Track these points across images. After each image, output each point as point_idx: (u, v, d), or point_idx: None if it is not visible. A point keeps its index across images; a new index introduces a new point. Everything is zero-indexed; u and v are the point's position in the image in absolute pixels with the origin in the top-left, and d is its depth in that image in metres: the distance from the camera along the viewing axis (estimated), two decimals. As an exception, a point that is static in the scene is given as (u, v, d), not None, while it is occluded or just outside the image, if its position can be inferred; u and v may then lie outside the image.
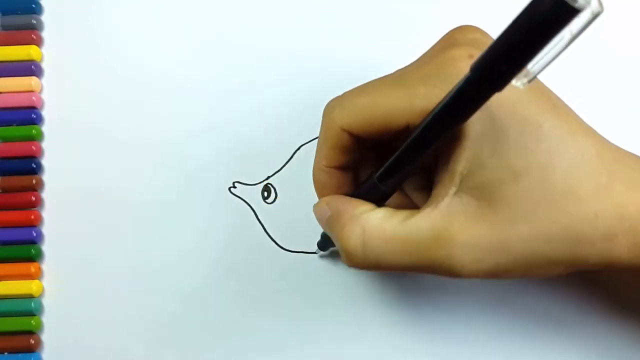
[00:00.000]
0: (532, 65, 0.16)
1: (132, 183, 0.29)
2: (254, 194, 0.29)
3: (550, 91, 0.22)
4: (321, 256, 0.29)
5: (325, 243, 0.28)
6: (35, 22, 0.30)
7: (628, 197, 0.20)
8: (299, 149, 0.29)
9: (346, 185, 0.24)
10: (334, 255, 0.29)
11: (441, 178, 0.21)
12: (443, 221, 0.20)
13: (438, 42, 0.22)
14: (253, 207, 0.29)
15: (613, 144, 0.22)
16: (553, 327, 0.28)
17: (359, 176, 0.25)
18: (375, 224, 0.21)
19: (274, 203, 0.29)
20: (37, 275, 0.29)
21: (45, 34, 0.31)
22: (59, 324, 0.29)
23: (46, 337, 0.29)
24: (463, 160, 0.20)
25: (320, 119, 0.29)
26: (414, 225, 0.21)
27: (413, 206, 0.25)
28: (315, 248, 0.29)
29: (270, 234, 0.29)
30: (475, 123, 0.20)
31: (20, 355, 0.28)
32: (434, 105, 0.19)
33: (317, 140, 0.29)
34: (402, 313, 0.28)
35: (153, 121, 0.30)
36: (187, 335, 0.29)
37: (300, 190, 0.29)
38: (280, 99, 0.30)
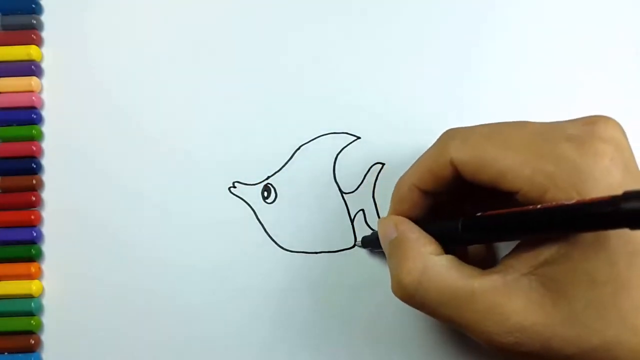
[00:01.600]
0: None
1: (132, 183, 0.29)
2: (254, 194, 0.29)
3: None
4: (358, 246, 0.29)
5: (370, 243, 0.28)
6: (35, 22, 0.30)
7: None
8: (299, 149, 0.29)
9: (422, 208, 0.24)
10: (335, 255, 0.29)
11: (525, 251, 0.21)
12: (503, 296, 0.20)
13: (579, 120, 0.21)
14: (253, 207, 0.29)
15: None
16: None
17: (439, 204, 0.24)
18: (438, 270, 0.21)
19: (274, 203, 0.29)
20: (37, 275, 0.29)
21: (45, 34, 0.31)
22: (59, 324, 0.29)
23: (46, 337, 0.29)
24: (553, 250, 0.20)
25: (320, 119, 0.29)
26: (474, 286, 0.21)
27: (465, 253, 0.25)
28: (315, 248, 0.29)
29: (270, 234, 0.29)
30: None
31: (20, 355, 0.28)
32: (555, 190, 0.19)
33: (318, 139, 0.29)
34: (402, 313, 0.28)
35: (153, 121, 0.30)
36: (186, 335, 0.29)
37: (300, 190, 0.29)
38: (280, 99, 0.30)
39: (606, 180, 0.19)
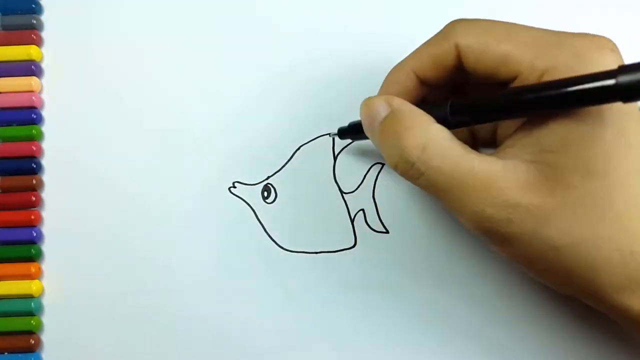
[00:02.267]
0: None
1: (132, 183, 0.29)
2: (254, 194, 0.29)
3: None
4: (331, 136, 0.28)
5: (350, 132, 0.27)
6: (35, 22, 0.30)
7: None
8: (299, 149, 0.29)
9: (414, 99, 0.23)
10: (335, 255, 0.29)
11: (522, 138, 0.21)
12: (502, 176, 0.20)
13: (583, 32, 0.21)
14: (253, 207, 0.29)
15: None
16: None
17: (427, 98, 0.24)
18: (442, 138, 0.21)
19: (274, 203, 0.29)
20: (37, 275, 0.29)
21: (45, 34, 0.31)
22: (59, 324, 0.29)
23: (46, 337, 0.29)
24: (552, 136, 0.20)
25: (320, 119, 0.29)
26: (475, 162, 0.20)
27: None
28: (315, 248, 0.29)
29: (270, 234, 0.29)
30: (582, 109, 0.19)
31: (20, 355, 0.28)
32: (555, 74, 0.19)
33: (317, 140, 0.29)
34: (402, 313, 0.28)
35: (153, 121, 0.30)
36: (186, 335, 0.29)
37: (300, 190, 0.29)
38: (280, 99, 0.30)
39: (608, 68, 0.18)
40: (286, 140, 0.29)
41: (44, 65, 0.30)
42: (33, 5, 0.30)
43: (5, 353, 0.29)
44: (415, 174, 0.21)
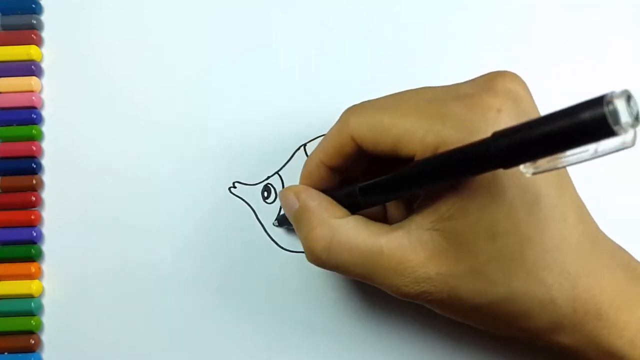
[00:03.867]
0: (547, 162, 0.16)
1: (132, 183, 0.29)
2: (254, 194, 0.29)
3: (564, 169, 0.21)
4: (275, 225, 0.29)
5: (284, 221, 0.28)
6: (35, 22, 0.30)
7: (588, 292, 0.20)
8: (299, 149, 0.29)
9: (330, 184, 0.24)
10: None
11: (422, 208, 0.21)
12: (408, 251, 0.21)
13: (477, 79, 0.22)
14: (253, 207, 0.29)
15: (599, 232, 0.22)
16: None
17: (347, 179, 0.25)
18: (346, 233, 0.22)
19: (274, 203, 0.29)
20: (37, 275, 0.29)
21: (45, 34, 0.31)
22: (59, 324, 0.29)
23: (46, 337, 0.29)
24: (450, 204, 0.20)
25: (320, 119, 0.29)
26: (382, 244, 0.22)
27: (381, 214, 0.25)
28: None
29: (270, 234, 0.29)
30: (478, 176, 0.20)
31: (20, 355, 0.28)
32: (445, 148, 0.19)
33: (317, 140, 0.29)
34: (403, 313, 0.28)
35: (153, 121, 0.30)
36: (186, 335, 0.29)
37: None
38: (280, 99, 0.30)
39: (493, 130, 0.18)
40: (286, 140, 0.29)
41: (44, 65, 0.30)
42: (33, 5, 0.30)
43: (5, 353, 0.29)
44: (330, 269, 0.23)
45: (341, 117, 0.23)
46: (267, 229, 0.29)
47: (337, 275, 0.28)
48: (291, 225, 0.27)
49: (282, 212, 0.28)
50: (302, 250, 0.29)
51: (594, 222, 0.22)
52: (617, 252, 0.22)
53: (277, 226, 0.29)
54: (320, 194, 0.24)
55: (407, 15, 0.30)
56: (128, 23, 0.30)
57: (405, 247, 0.21)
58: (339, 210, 0.23)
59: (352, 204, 0.23)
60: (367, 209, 0.23)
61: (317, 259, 0.23)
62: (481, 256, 0.20)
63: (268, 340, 0.29)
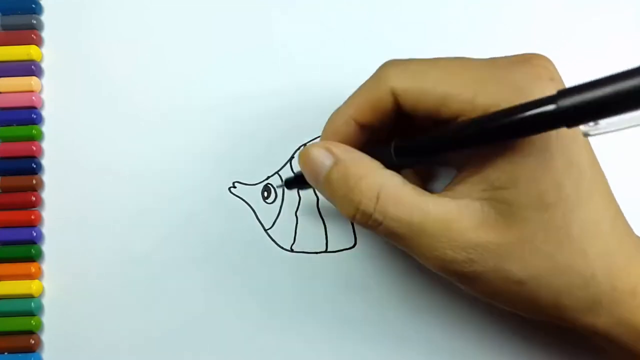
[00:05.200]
0: (607, 123, 0.16)
1: (132, 183, 0.29)
2: (254, 194, 0.29)
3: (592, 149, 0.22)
4: (278, 187, 0.28)
5: (297, 182, 0.26)
6: (35, 22, 0.30)
7: (624, 270, 0.20)
8: (299, 148, 0.29)
9: (357, 145, 0.23)
10: (335, 255, 0.29)
11: (471, 176, 0.21)
12: (457, 216, 0.20)
13: (512, 57, 0.21)
14: (253, 207, 0.29)
15: (626, 219, 0.22)
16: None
17: (373, 141, 0.23)
18: (394, 184, 0.21)
19: (274, 203, 0.29)
20: (37, 275, 0.29)
21: (45, 34, 0.31)
22: (59, 324, 0.29)
23: (46, 337, 0.29)
24: (500, 172, 0.20)
25: (320, 119, 0.29)
26: (430, 205, 0.21)
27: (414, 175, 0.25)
28: (315, 248, 0.29)
29: (270, 234, 0.29)
30: (527, 142, 0.19)
31: (20, 355, 0.28)
32: (497, 108, 0.19)
33: (317, 140, 0.29)
34: (402, 313, 0.28)
35: (153, 121, 0.30)
36: (186, 335, 0.29)
37: (300, 190, 0.29)
38: (280, 99, 0.30)
39: None
40: (286, 140, 0.29)
41: (44, 65, 0.30)
42: (33, 5, 0.30)
43: (5, 353, 0.29)
44: (373, 224, 0.21)
45: (379, 69, 0.22)
46: (267, 229, 0.29)
47: (337, 275, 0.28)
48: (305, 187, 0.26)
49: (298, 172, 0.25)
50: (302, 250, 0.29)
51: (621, 209, 0.22)
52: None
53: (284, 187, 0.27)
54: (354, 149, 0.22)
55: (407, 15, 0.30)
56: (128, 23, 0.30)
57: (454, 212, 0.20)
58: (380, 164, 0.22)
59: (386, 166, 0.22)
60: (402, 169, 0.22)
61: (365, 210, 0.21)
62: (530, 227, 0.20)
63: (268, 340, 0.28)
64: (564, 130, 0.17)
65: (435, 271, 0.22)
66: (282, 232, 0.29)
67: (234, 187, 0.29)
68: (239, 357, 0.28)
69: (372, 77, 0.22)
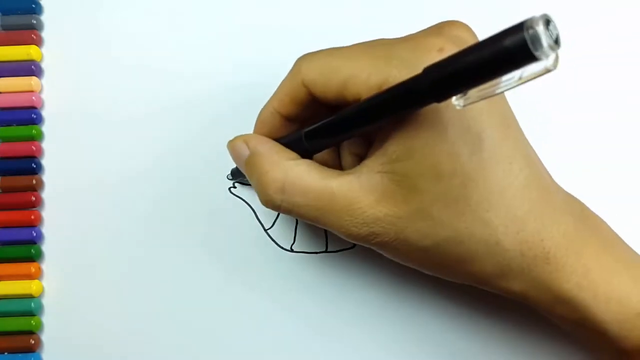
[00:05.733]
0: (477, 92, 0.17)
1: (132, 183, 0.29)
2: (254, 194, 0.29)
3: (510, 111, 0.22)
4: (229, 179, 0.29)
5: (237, 174, 0.29)
6: (35, 22, 0.30)
7: (536, 236, 0.21)
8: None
9: (284, 134, 0.24)
10: (335, 255, 0.29)
11: (374, 151, 0.22)
12: (358, 193, 0.21)
13: (428, 28, 0.22)
14: (253, 207, 0.29)
15: (550, 180, 0.22)
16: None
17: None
18: (299, 175, 0.22)
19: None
20: (37, 275, 0.29)
21: (45, 34, 0.31)
22: (59, 324, 0.29)
23: (46, 337, 0.29)
24: (396, 145, 0.21)
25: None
26: (333, 187, 0.22)
27: (336, 163, 0.26)
28: (315, 248, 0.29)
29: (270, 234, 0.29)
30: (420, 114, 0.20)
31: (20, 355, 0.28)
32: (387, 86, 0.19)
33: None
34: (402, 313, 0.28)
35: (154, 121, 0.30)
36: (186, 335, 0.29)
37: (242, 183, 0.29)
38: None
39: None
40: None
41: (44, 65, 0.30)
42: (33, 5, 0.30)
43: (5, 353, 0.29)
44: (285, 212, 0.23)
45: (294, 64, 0.23)
46: (267, 229, 0.29)
47: (337, 275, 0.28)
48: (243, 177, 0.27)
49: (233, 170, 0.29)
50: (302, 250, 0.29)
51: (544, 169, 0.22)
52: (569, 200, 0.23)
53: (230, 179, 0.29)
54: (270, 140, 0.24)
55: (406, 14, 0.30)
56: (128, 23, 0.30)
57: (356, 189, 0.21)
58: (290, 153, 0.23)
59: (301, 151, 0.23)
60: (317, 154, 0.24)
61: (272, 202, 0.23)
62: (427, 197, 0.20)
63: (267, 339, 0.28)
64: (453, 106, 0.18)
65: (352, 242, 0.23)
66: (282, 232, 0.29)
67: (234, 187, 0.29)
68: (238, 357, 0.28)
69: (289, 72, 0.24)
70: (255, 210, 0.29)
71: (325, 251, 0.29)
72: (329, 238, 0.29)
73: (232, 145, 0.25)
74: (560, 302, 0.21)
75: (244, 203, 0.29)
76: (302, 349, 0.28)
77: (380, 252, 0.23)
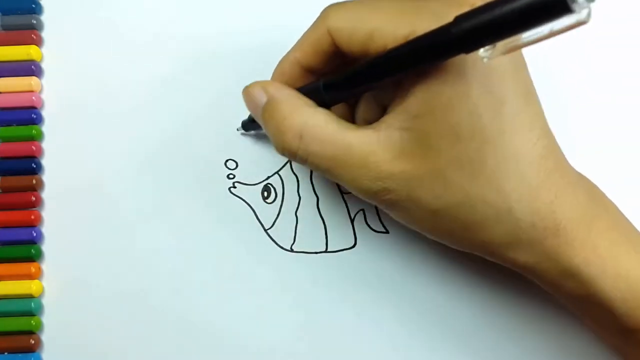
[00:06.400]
0: (505, 44, 0.16)
1: (133, 183, 0.29)
2: (254, 194, 0.29)
3: (532, 82, 0.21)
4: (242, 134, 0.29)
5: (249, 125, 0.28)
6: (35, 22, 0.30)
7: (548, 207, 0.20)
8: (299, 149, 0.29)
9: (302, 85, 0.24)
10: (335, 255, 0.29)
11: (395, 107, 0.21)
12: (376, 147, 0.21)
13: None
14: (253, 207, 0.29)
15: (566, 160, 0.22)
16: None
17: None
18: (317, 122, 0.22)
19: (274, 203, 0.29)
20: (37, 275, 0.29)
21: (45, 34, 0.30)
22: (59, 324, 0.29)
23: (46, 337, 0.29)
24: (417, 101, 0.20)
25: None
26: (351, 138, 0.21)
27: (352, 119, 0.25)
28: (315, 248, 0.29)
29: (270, 234, 0.29)
30: (444, 71, 0.20)
31: (20, 355, 0.28)
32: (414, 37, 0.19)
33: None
34: (402, 312, 0.28)
35: (154, 121, 0.30)
36: (186, 334, 0.29)
37: (300, 190, 0.29)
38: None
39: None
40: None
41: (44, 65, 0.30)
42: (33, 5, 0.30)
43: (5, 353, 0.29)
44: (300, 160, 0.23)
45: (321, 12, 0.23)
46: (267, 229, 0.29)
47: (337, 275, 0.29)
48: (256, 129, 0.27)
49: (248, 118, 0.28)
50: (302, 250, 0.29)
51: (558, 145, 0.22)
52: (580, 177, 0.23)
53: (240, 131, 0.29)
54: (289, 87, 0.24)
55: None
56: (128, 23, 0.30)
57: (374, 143, 0.21)
58: (309, 101, 0.23)
59: (317, 103, 0.23)
60: (334, 105, 0.23)
61: (289, 149, 0.22)
62: (443, 158, 0.20)
63: (267, 340, 0.28)
64: (480, 59, 0.17)
65: (362, 198, 0.23)
66: (282, 232, 0.29)
67: (234, 187, 0.29)
68: (239, 357, 0.28)
69: (315, 20, 0.23)
70: (255, 210, 0.29)
71: (325, 251, 0.29)
72: (329, 238, 0.29)
73: (248, 92, 0.24)
74: (568, 277, 0.21)
75: (244, 203, 0.29)
76: (302, 349, 0.28)
77: (389, 212, 0.23)
